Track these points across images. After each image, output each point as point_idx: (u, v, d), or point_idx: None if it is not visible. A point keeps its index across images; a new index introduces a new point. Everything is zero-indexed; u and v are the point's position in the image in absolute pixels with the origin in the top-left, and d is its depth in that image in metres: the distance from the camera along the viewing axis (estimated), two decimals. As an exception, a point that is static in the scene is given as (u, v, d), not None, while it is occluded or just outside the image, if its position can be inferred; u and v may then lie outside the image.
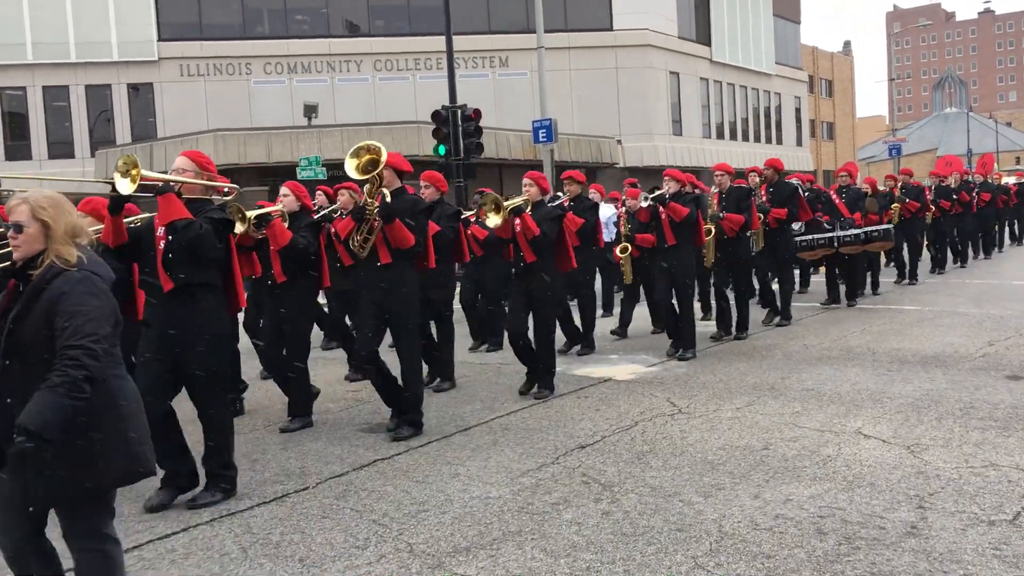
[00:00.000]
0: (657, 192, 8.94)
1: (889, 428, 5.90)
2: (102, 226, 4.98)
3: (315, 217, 7.03)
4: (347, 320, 9.01)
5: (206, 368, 5.00)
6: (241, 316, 7.33)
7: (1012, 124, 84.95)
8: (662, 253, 8.92)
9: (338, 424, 6.83)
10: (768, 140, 45.67)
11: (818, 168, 49.27)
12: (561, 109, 30.32)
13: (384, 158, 6.00)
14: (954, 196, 15.70)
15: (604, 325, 10.67)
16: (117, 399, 3.11)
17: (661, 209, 8.72)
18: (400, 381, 6.41)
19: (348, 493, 5.13)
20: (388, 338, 6.63)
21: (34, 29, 31.32)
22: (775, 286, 10.93)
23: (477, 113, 18.58)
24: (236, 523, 4.74)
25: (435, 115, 18.55)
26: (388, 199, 6.18)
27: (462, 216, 8.48)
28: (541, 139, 19.81)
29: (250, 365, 8.20)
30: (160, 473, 4.69)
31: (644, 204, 8.86)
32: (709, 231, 9.62)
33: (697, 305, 9.77)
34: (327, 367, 9.07)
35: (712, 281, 10.70)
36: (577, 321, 9.51)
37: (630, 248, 9.99)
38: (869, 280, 13.13)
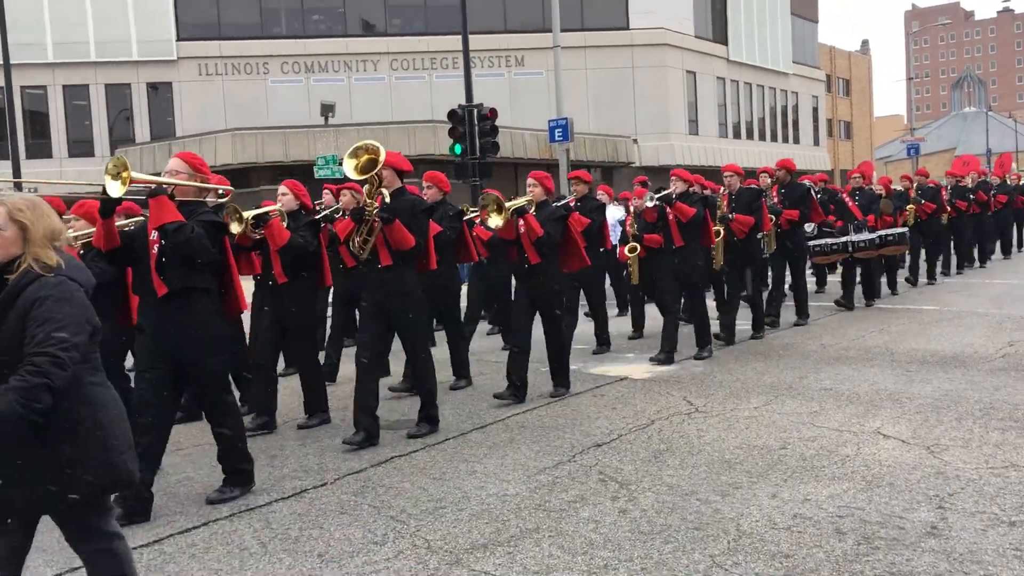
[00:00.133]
0: (664, 192, 8.91)
1: (908, 428, 5.87)
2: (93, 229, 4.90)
3: (316, 217, 6.97)
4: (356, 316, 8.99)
5: (204, 371, 4.96)
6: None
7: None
8: (670, 254, 8.88)
9: (355, 421, 6.84)
10: (785, 140, 45.46)
11: (835, 168, 48.96)
12: (577, 108, 30.31)
13: (383, 158, 5.94)
14: (971, 196, 15.53)
15: (620, 325, 10.64)
16: (95, 407, 3.02)
17: (668, 209, 8.69)
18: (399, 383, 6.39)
19: (366, 489, 5.15)
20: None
21: (54, 28, 31.63)
22: (787, 288, 10.86)
23: (493, 112, 18.58)
24: (255, 518, 4.78)
25: (451, 114, 18.57)
26: (387, 200, 6.15)
27: (465, 216, 8.46)
28: (557, 138, 19.78)
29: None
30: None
31: (650, 204, 8.78)
32: (718, 232, 9.56)
33: (712, 304, 9.72)
34: (345, 365, 9.08)
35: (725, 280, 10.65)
36: (583, 321, 9.50)
37: (639, 248, 9.91)
38: (886, 280, 13.03)
